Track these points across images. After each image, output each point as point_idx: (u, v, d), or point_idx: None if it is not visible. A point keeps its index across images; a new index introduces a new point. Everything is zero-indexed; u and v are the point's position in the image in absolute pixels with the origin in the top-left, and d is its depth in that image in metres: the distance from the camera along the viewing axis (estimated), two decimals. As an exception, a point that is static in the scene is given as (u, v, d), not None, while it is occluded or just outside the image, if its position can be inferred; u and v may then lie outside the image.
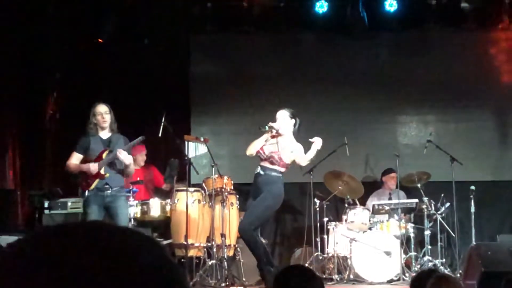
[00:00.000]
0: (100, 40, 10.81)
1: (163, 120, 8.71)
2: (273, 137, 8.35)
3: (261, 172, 8.28)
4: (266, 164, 8.29)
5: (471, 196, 9.58)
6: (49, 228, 0.96)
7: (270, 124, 8.29)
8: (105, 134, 7.93)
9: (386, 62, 11.50)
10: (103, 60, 11.02)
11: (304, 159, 8.31)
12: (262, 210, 8.20)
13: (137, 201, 8.95)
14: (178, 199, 8.88)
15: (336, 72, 11.51)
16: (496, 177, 11.30)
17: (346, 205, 9.82)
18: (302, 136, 8.55)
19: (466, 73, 11.40)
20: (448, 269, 9.27)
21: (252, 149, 8.33)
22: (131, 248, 0.94)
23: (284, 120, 8.35)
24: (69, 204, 9.24)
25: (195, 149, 9.16)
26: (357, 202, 10.19)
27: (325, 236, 9.69)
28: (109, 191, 7.77)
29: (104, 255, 0.91)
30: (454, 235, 9.83)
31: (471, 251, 7.24)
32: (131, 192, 8.82)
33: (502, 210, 11.24)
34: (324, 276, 9.23)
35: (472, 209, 9.51)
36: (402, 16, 11.04)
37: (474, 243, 9.05)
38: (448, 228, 9.85)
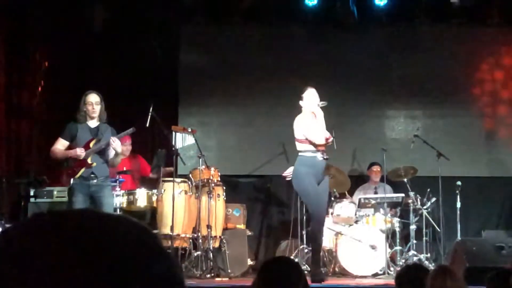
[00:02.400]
0: (96, 30, 10.78)
1: (150, 110, 8.69)
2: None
3: (327, 157, 8.01)
4: (323, 148, 8.03)
5: (457, 192, 9.62)
6: (40, 216, 0.96)
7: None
8: (93, 123, 7.88)
9: (375, 56, 11.49)
10: (92, 50, 10.98)
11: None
12: None
13: (123, 191, 8.92)
14: (164, 190, 8.85)
15: (325, 65, 11.50)
16: (482, 173, 11.36)
17: (333, 198, 9.82)
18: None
19: (455, 68, 11.44)
20: (433, 264, 9.29)
21: (323, 135, 7.96)
22: (123, 235, 0.94)
23: None
24: (55, 192, 9.21)
25: (182, 140, 9.15)
26: (346, 195, 10.20)
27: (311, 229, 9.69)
28: (94, 181, 7.73)
29: (96, 242, 0.91)
30: (439, 230, 9.85)
31: (456, 246, 7.28)
32: (118, 182, 8.79)
33: (487, 206, 11.30)
34: (309, 269, 9.24)
35: (458, 205, 9.55)
36: (392, 10, 11.04)
37: (459, 238, 9.09)
38: (433, 223, 9.88)
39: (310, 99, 8.02)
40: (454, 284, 3.66)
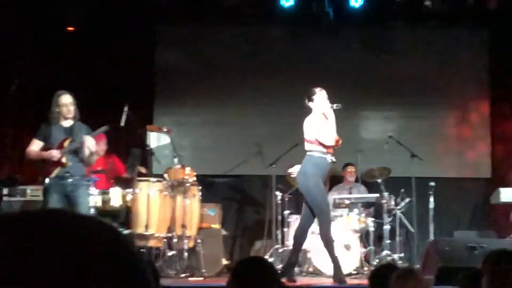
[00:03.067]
0: (70, 28, 10.72)
1: (126, 110, 8.67)
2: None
3: (334, 160, 8.05)
4: (332, 151, 8.03)
5: (430, 192, 9.69)
6: (10, 215, 0.96)
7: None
8: (67, 123, 7.87)
9: (350, 57, 11.54)
10: (68, 48, 10.92)
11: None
12: None
13: (98, 190, 8.89)
14: (139, 189, 8.83)
15: (300, 65, 11.53)
16: (455, 174, 11.45)
17: (307, 198, 9.84)
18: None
19: (429, 70, 11.52)
20: (406, 264, 9.36)
21: (333, 137, 7.94)
22: (89, 234, 0.94)
23: None
24: (28, 191, 9.15)
25: (157, 139, 9.15)
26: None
27: (286, 229, 9.72)
28: (70, 180, 7.72)
29: (62, 240, 0.91)
30: (412, 230, 9.93)
31: (429, 246, 7.33)
32: (91, 181, 8.75)
33: (460, 207, 11.40)
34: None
35: (431, 205, 9.62)
36: (367, 12, 11.08)
37: (432, 238, 9.16)
38: (407, 223, 9.95)
39: (322, 100, 8.02)
40: (417, 285, 3.72)
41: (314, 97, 8.05)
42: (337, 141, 7.98)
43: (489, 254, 3.56)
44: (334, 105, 7.98)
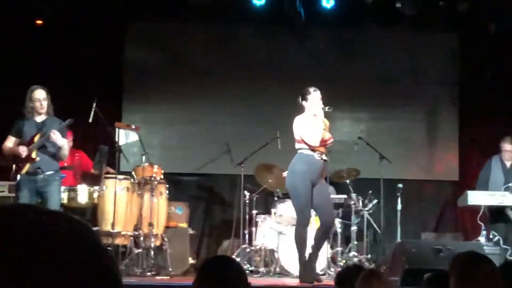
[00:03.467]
0: (39, 22, 10.62)
1: (94, 106, 8.61)
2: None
3: (325, 158, 8.00)
4: (322, 149, 7.99)
5: (398, 194, 9.74)
6: None
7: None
8: (40, 118, 7.90)
9: (321, 58, 11.55)
10: (38, 43, 10.81)
11: None
12: None
13: (64, 187, 8.80)
14: (106, 186, 8.77)
15: (271, 65, 11.53)
16: (423, 176, 11.53)
17: (276, 198, 9.84)
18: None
19: (399, 73, 11.57)
20: (373, 265, 9.38)
21: (319, 138, 7.88)
22: (60, 231, 0.93)
23: None
24: (-5, 187, 9.06)
25: (126, 137, 9.08)
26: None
27: (254, 229, 9.71)
28: (41, 176, 7.70)
29: (32, 237, 0.90)
30: (380, 232, 9.97)
31: (396, 248, 7.36)
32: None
33: (427, 209, 11.48)
34: (250, 269, 9.25)
35: (399, 207, 9.66)
36: (338, 14, 11.09)
37: (399, 240, 9.20)
38: (374, 224, 9.99)
39: (315, 101, 7.99)
40: (382, 286, 3.72)
41: (308, 96, 8.05)
42: (325, 141, 7.97)
43: (457, 256, 3.56)
44: (326, 108, 7.95)
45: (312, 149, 7.88)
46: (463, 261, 3.46)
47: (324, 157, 7.96)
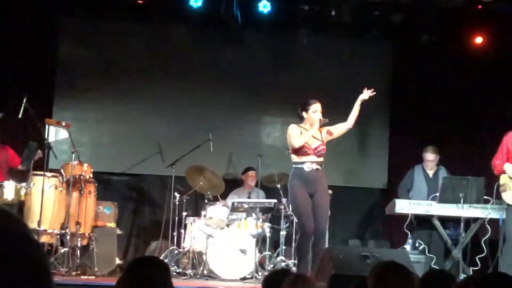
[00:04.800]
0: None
1: (24, 101, 8.47)
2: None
3: (317, 167, 8.11)
4: (315, 158, 8.11)
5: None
6: None
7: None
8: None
9: (256, 62, 11.58)
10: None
11: (341, 127, 8.40)
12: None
13: (-10, 183, 8.64)
14: (34, 183, 8.62)
15: (206, 67, 11.52)
16: (352, 183, 11.64)
17: (206, 201, 9.84)
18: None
19: (332, 79, 11.65)
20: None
21: (302, 140, 8.06)
22: None
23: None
24: None
25: (55, 134, 8.95)
26: (219, 198, 10.25)
27: (183, 231, 9.68)
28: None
29: None
30: (308, 237, 10.03)
31: (324, 254, 7.40)
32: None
33: (355, 215, 11.60)
34: (178, 271, 9.22)
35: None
36: (275, 19, 11.13)
37: (327, 245, 9.27)
38: (303, 230, 10.05)
39: (314, 114, 8.20)
40: None
41: (309, 107, 8.25)
42: (314, 149, 8.11)
43: (374, 267, 3.60)
44: (322, 120, 8.17)
45: (303, 160, 8.07)
46: (379, 273, 3.51)
47: (315, 166, 8.09)
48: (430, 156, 10.07)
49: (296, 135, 8.11)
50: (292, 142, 8.11)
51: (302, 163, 8.09)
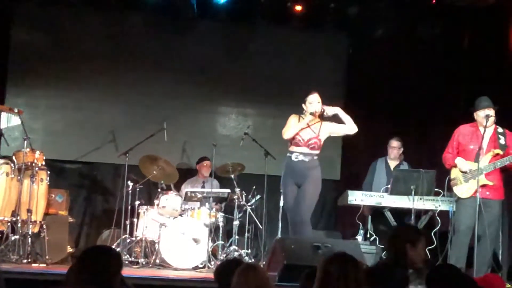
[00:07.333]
0: None
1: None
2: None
3: (304, 159, 8.05)
4: (306, 150, 8.05)
5: (281, 190, 9.84)
6: None
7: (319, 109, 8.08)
8: None
9: (212, 52, 11.53)
10: None
11: (348, 126, 8.30)
12: (316, 199, 8.17)
13: None
14: (-16, 170, 8.50)
15: (162, 56, 11.44)
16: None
17: (159, 190, 9.81)
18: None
19: (288, 71, 11.67)
20: (253, 260, 9.48)
21: (291, 132, 8.05)
22: None
23: (320, 102, 8.14)
24: None
25: (7, 120, 8.84)
26: (172, 188, 10.23)
27: (135, 220, 9.64)
28: None
29: None
30: (261, 227, 10.07)
31: (276, 244, 7.43)
32: None
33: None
34: (130, 260, 9.19)
35: (281, 203, 9.76)
36: (231, 9, 11.11)
37: (279, 235, 9.32)
38: (256, 219, 10.10)
39: (310, 105, 8.14)
40: (257, 280, 3.80)
41: (306, 99, 8.21)
42: (307, 141, 8.09)
43: (323, 259, 3.65)
44: (317, 112, 8.11)
45: (294, 149, 8.09)
46: (324, 265, 3.56)
47: (304, 157, 8.06)
48: (395, 143, 10.17)
49: (289, 125, 8.12)
50: (282, 131, 8.13)
51: (292, 152, 8.08)
